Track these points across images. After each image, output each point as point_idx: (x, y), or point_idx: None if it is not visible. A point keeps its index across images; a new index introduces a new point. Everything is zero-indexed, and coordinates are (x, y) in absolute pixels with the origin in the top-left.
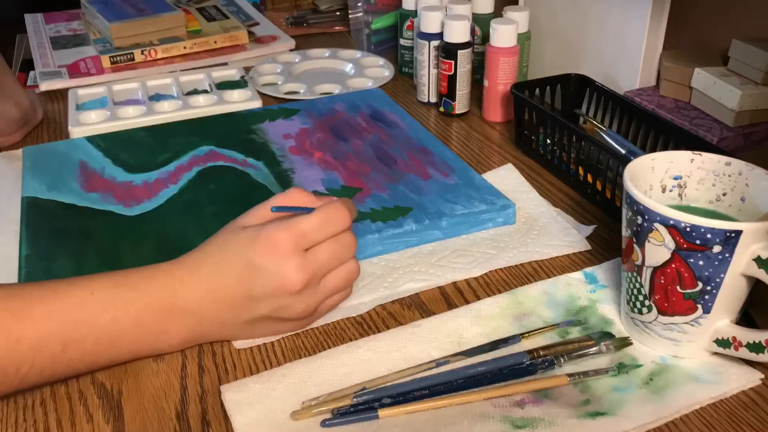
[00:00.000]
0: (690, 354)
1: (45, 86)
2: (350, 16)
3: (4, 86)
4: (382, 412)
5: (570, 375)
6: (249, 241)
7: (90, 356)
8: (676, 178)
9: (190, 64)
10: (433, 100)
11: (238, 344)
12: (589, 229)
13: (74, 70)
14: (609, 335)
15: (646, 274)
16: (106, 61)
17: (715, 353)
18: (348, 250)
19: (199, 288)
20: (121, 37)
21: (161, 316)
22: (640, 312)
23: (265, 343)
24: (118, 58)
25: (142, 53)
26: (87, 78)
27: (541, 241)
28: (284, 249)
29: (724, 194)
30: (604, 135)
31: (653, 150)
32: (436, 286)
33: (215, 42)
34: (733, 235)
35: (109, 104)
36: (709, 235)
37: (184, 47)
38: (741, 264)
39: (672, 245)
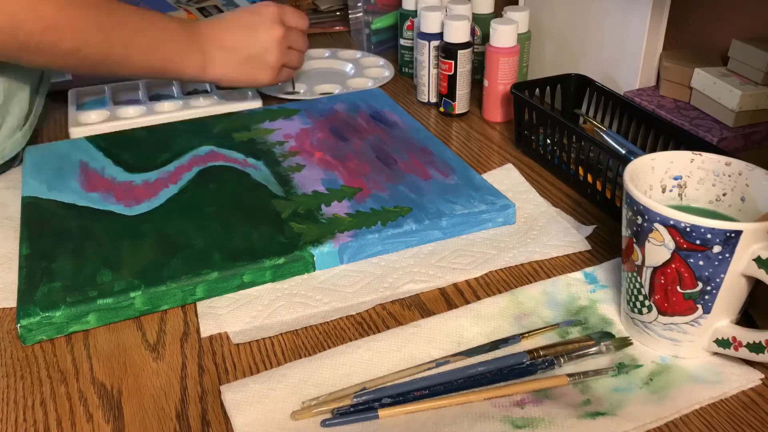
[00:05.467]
0: (690, 354)
1: (47, 87)
2: (350, 16)
3: None
4: (382, 412)
5: (570, 375)
6: (248, 6)
7: (148, 47)
8: (676, 178)
9: None
10: (433, 100)
11: (237, 339)
12: (589, 229)
13: None
14: (609, 335)
15: (646, 274)
16: None
17: (715, 353)
18: (304, 43)
19: (213, 27)
20: None
21: (188, 34)
22: (640, 312)
23: (264, 343)
24: None
25: None
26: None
27: (541, 241)
28: (274, 10)
29: (724, 194)
30: (604, 135)
31: (653, 150)
32: (437, 287)
33: None
34: (733, 235)
35: (109, 104)
36: (709, 235)
37: None
38: (741, 264)
39: (672, 245)
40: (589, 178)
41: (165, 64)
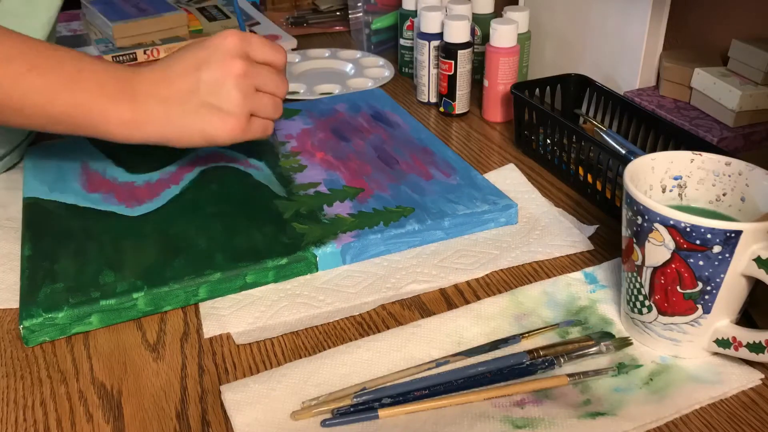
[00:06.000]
0: (690, 354)
1: None
2: (350, 16)
3: None
4: (382, 412)
5: (570, 375)
6: (205, 38)
7: (48, 88)
8: (676, 178)
9: None
10: (433, 100)
11: (240, 340)
12: (591, 229)
13: None
14: (609, 335)
15: (646, 274)
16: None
17: (715, 353)
18: (281, 84)
19: (153, 71)
20: (123, 37)
21: (116, 80)
22: (640, 312)
23: (265, 344)
24: (121, 58)
25: (145, 53)
26: None
27: (544, 241)
28: (233, 41)
29: (724, 194)
30: (604, 135)
31: (653, 150)
32: (439, 287)
33: None
34: (733, 235)
35: None
36: (709, 235)
37: None
38: (741, 264)
39: (672, 245)
40: (589, 178)
41: (76, 115)
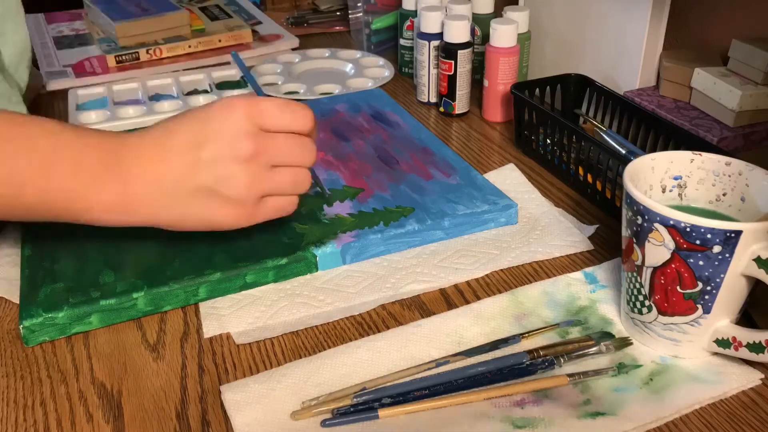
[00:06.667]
0: (690, 354)
1: (52, 86)
2: (350, 16)
3: None
4: (382, 412)
5: (570, 375)
6: (206, 105)
7: (17, 176)
8: (676, 178)
9: (194, 63)
10: (433, 100)
11: (240, 340)
12: (591, 229)
13: (79, 70)
14: (609, 335)
15: (646, 274)
16: (111, 60)
17: (715, 353)
18: (305, 153)
19: (145, 145)
20: (126, 36)
21: (100, 158)
22: (640, 312)
23: (265, 343)
24: (124, 57)
25: (147, 52)
26: (93, 77)
27: (544, 241)
28: (240, 113)
29: (724, 194)
30: (604, 135)
31: (653, 150)
32: (439, 287)
33: (219, 41)
34: (733, 235)
35: (109, 104)
36: (709, 235)
37: (189, 46)
38: (741, 264)
39: (672, 245)
40: (589, 178)
41: (53, 201)
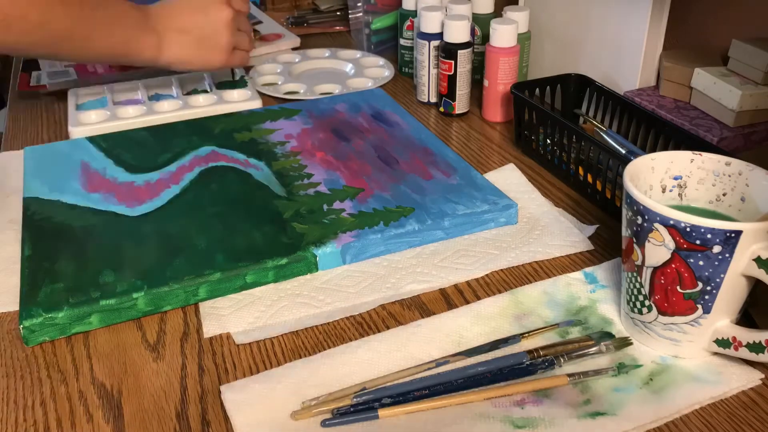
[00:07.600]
0: (690, 354)
1: (54, 86)
2: (350, 16)
3: None
4: (382, 412)
5: (570, 375)
6: None
7: (104, 24)
8: (676, 178)
9: None
10: (433, 100)
11: (240, 340)
12: (591, 229)
13: (81, 70)
14: (609, 335)
15: (646, 274)
16: None
17: (715, 353)
18: (248, 25)
19: (162, 8)
20: None
21: (137, 12)
22: (640, 312)
23: (265, 343)
24: None
25: None
26: (95, 77)
27: (544, 241)
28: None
29: (724, 194)
30: (604, 135)
31: (653, 150)
32: (439, 287)
33: None
34: (733, 235)
35: (108, 104)
36: (709, 235)
37: None
38: (741, 264)
39: (672, 245)
40: (589, 178)
41: (124, 45)
